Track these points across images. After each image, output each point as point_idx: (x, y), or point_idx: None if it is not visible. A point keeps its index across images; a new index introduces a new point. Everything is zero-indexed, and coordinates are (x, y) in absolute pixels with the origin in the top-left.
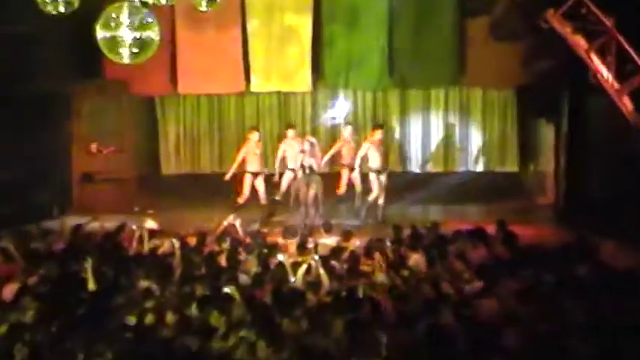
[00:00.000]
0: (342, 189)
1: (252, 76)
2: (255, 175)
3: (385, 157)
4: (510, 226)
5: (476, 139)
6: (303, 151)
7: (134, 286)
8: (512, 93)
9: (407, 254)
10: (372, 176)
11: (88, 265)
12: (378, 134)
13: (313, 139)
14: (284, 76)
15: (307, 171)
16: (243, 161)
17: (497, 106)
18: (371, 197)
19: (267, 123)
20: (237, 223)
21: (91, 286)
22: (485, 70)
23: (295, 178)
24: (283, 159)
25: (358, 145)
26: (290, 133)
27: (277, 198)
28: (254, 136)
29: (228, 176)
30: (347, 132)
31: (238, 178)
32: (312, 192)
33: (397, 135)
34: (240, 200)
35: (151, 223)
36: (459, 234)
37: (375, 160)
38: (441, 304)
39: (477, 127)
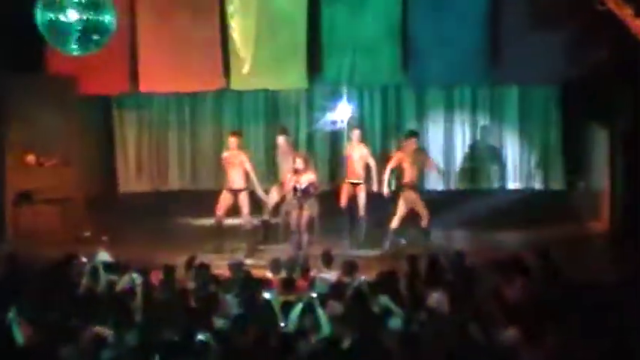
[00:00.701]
0: (361, 211)
1: (233, 71)
2: (237, 191)
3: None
4: (555, 258)
5: (511, 148)
6: (296, 171)
7: (84, 333)
8: (557, 91)
9: (425, 292)
10: (409, 194)
11: (12, 315)
12: (413, 143)
13: (305, 155)
14: (273, 70)
15: (300, 194)
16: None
17: (537, 108)
18: (395, 223)
19: (251, 128)
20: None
21: (19, 339)
22: (523, 63)
23: (284, 198)
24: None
25: (366, 154)
26: (281, 140)
27: (266, 218)
28: (232, 143)
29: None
30: (355, 137)
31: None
32: (305, 214)
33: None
34: (219, 223)
35: (103, 255)
36: (490, 267)
37: (409, 175)
38: (468, 354)
39: (513, 133)
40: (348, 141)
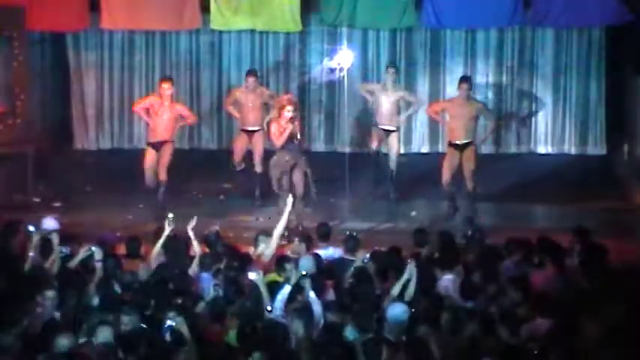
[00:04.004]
0: (393, 162)
1: (213, 7)
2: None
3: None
4: (595, 237)
5: (544, 105)
6: (292, 120)
7: (32, 317)
8: (600, 35)
9: (435, 274)
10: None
11: None
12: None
13: (294, 99)
14: (261, 8)
15: (294, 146)
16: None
17: (576, 56)
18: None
19: (232, 75)
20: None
21: None
22: (560, 1)
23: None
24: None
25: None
26: (251, 82)
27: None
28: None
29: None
30: (390, 76)
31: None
32: (297, 174)
33: (426, 97)
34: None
35: (50, 223)
36: (515, 246)
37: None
38: (485, 350)
39: (545, 87)
40: (381, 82)
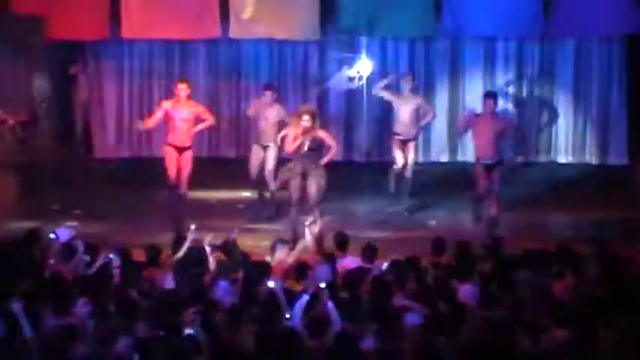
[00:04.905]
0: (409, 170)
1: (232, 16)
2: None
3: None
4: (614, 247)
5: (564, 114)
6: (304, 131)
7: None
8: (621, 44)
9: (453, 285)
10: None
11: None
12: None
13: (312, 108)
14: (279, 16)
15: (307, 155)
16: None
17: (597, 66)
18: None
19: (251, 83)
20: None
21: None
22: (581, 10)
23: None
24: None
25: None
26: (267, 96)
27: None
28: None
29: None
30: (407, 85)
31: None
32: (313, 184)
33: (445, 107)
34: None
35: (65, 231)
36: (534, 256)
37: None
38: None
39: (566, 97)
40: (397, 91)
